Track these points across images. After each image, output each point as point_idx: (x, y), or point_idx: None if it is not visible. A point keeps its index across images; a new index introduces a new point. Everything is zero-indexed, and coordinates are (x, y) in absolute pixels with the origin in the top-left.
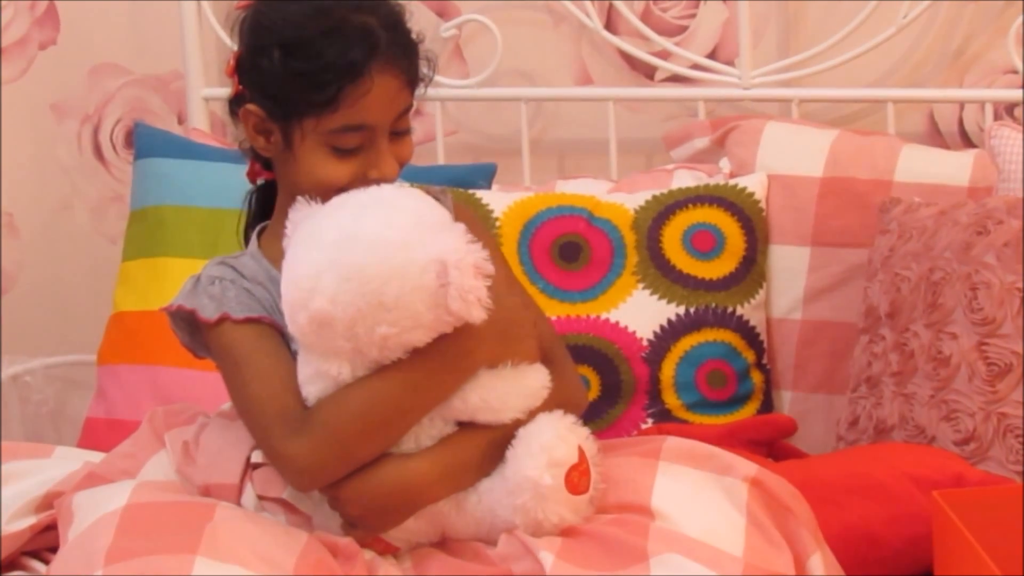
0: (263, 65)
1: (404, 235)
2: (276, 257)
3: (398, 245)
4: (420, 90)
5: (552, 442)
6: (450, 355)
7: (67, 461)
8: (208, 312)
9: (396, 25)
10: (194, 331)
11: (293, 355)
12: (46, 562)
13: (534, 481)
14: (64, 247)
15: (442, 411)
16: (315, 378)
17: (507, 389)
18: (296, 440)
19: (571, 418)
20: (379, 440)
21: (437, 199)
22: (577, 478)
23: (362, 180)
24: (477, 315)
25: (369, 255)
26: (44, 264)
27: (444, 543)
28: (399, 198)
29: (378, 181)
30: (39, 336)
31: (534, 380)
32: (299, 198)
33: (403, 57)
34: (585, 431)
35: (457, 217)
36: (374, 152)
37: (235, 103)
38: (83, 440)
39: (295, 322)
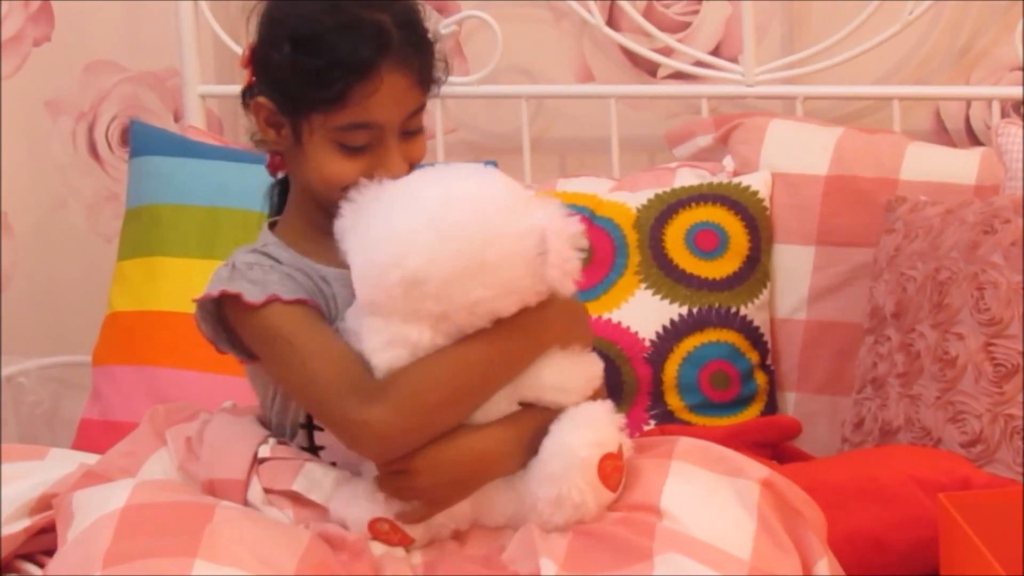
0: (273, 58)
1: (506, 200)
2: (296, 247)
3: (500, 208)
4: (433, 90)
5: (599, 422)
6: (531, 328)
7: (62, 463)
8: (253, 295)
9: (410, 23)
10: (220, 323)
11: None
12: (40, 565)
13: (570, 449)
14: (59, 246)
15: (514, 387)
16: (388, 345)
17: (576, 371)
18: (377, 407)
19: (621, 418)
20: (461, 409)
21: None
22: (610, 469)
23: (370, 179)
24: (569, 287)
25: (472, 215)
26: (38, 263)
27: (459, 537)
28: (492, 170)
29: (391, 177)
30: (33, 336)
31: (596, 366)
32: (362, 179)
33: (415, 56)
34: (629, 441)
35: None
36: (383, 151)
37: (247, 95)
38: (78, 442)
39: (381, 284)
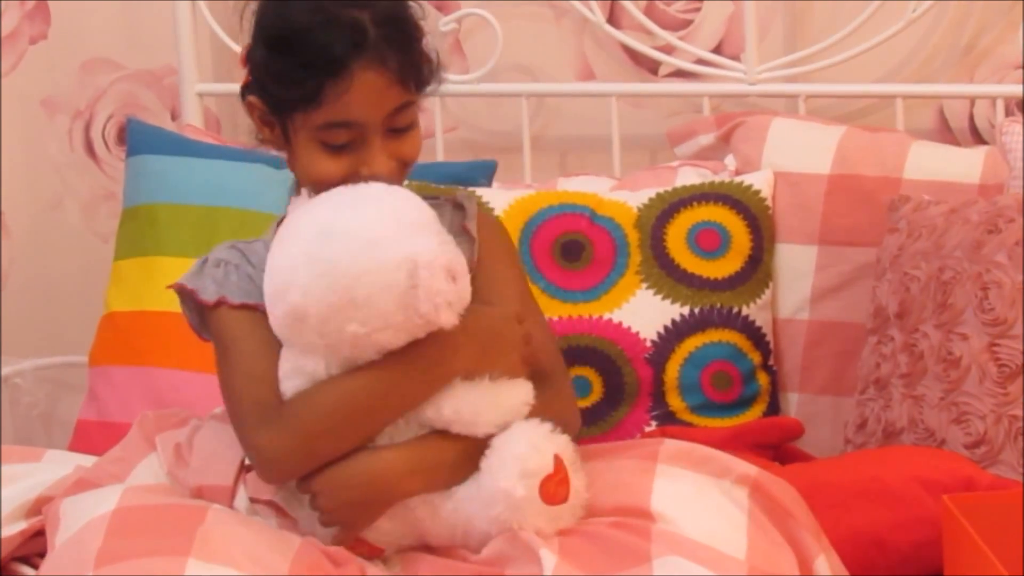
0: (255, 58)
1: (378, 233)
2: None
3: (371, 242)
4: (432, 87)
5: (525, 452)
6: (423, 361)
7: (58, 464)
8: (208, 294)
9: (392, 20)
10: (195, 310)
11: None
12: (35, 567)
13: (507, 492)
14: (55, 246)
15: (417, 416)
16: (293, 373)
17: (482, 403)
18: (266, 431)
19: (547, 426)
20: (347, 438)
21: (461, 204)
22: (553, 488)
23: (355, 177)
24: (446, 319)
25: (342, 251)
26: (34, 263)
27: (430, 547)
28: (381, 195)
29: (371, 179)
30: (29, 337)
31: (513, 396)
32: (303, 191)
33: (395, 53)
34: (563, 439)
35: (480, 226)
36: (366, 149)
37: (244, 94)
38: (74, 443)
39: (273, 314)
